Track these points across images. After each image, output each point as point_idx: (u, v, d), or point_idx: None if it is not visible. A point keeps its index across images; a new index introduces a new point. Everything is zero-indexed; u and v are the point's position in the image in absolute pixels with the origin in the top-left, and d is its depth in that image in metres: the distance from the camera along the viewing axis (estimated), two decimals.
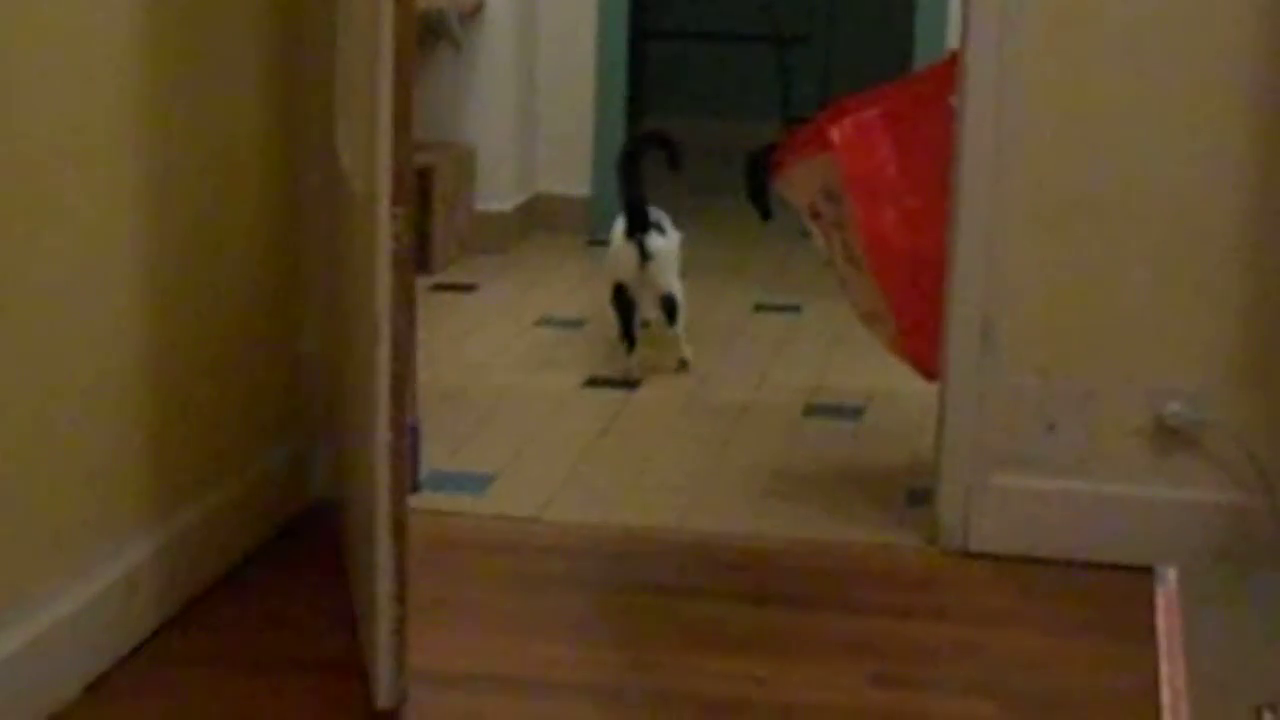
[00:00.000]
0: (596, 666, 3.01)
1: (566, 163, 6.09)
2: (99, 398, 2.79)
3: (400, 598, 2.67)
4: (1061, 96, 3.26)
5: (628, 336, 4.49)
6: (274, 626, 3.02)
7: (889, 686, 2.88)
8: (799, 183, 3.76)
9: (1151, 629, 3.07)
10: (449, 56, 5.73)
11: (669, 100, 7.69)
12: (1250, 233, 3.25)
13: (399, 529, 2.66)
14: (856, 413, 4.26)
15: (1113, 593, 3.24)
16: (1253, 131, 3.21)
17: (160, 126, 2.91)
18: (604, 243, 4.74)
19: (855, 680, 2.90)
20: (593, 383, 4.45)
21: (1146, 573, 3.27)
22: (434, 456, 3.76)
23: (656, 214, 4.55)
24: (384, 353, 2.61)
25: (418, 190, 4.24)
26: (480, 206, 5.84)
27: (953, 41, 4.20)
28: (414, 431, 3.37)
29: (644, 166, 4.60)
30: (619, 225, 4.54)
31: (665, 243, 4.53)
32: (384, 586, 2.66)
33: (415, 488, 3.48)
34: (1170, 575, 3.26)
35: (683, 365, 4.58)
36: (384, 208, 2.57)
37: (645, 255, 4.47)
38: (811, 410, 4.28)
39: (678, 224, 4.65)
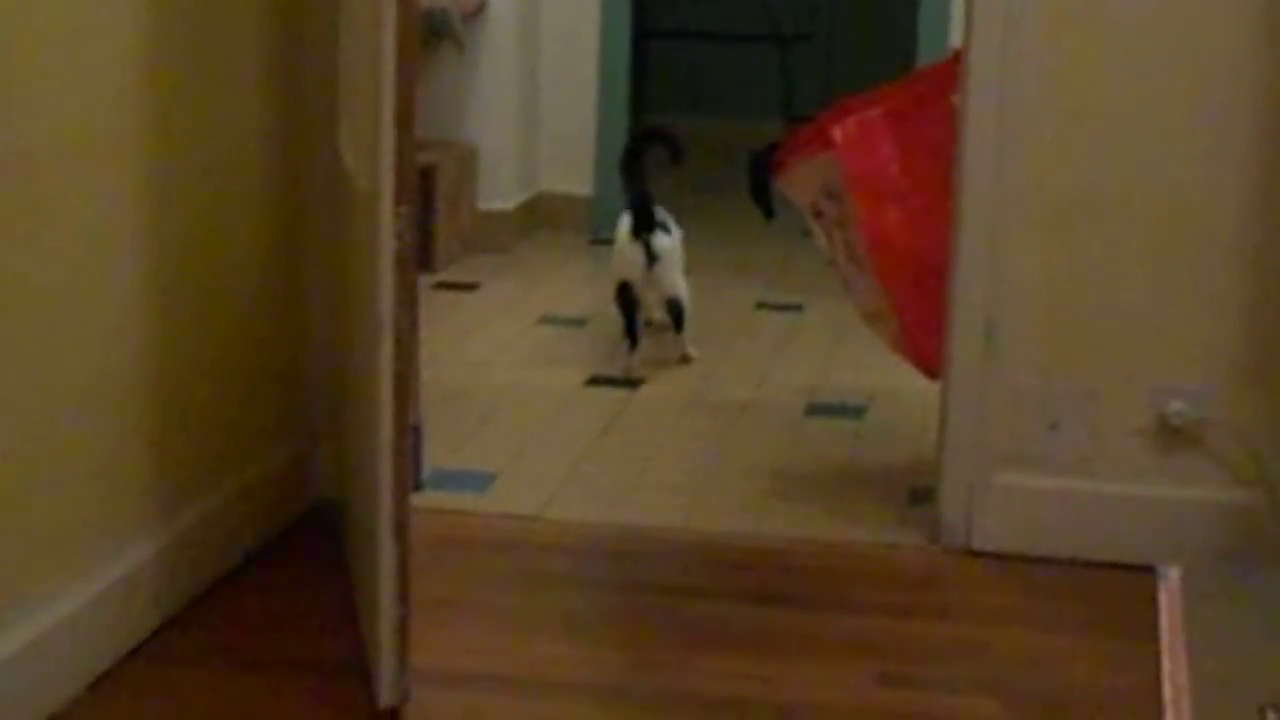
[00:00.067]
0: (598, 666, 3.01)
1: (569, 162, 6.10)
2: (100, 397, 2.79)
3: (402, 597, 2.67)
4: (1064, 96, 3.26)
5: (630, 335, 4.49)
6: (276, 626, 3.02)
7: (892, 685, 2.88)
8: (801, 182, 3.76)
9: (1154, 628, 3.07)
10: (451, 56, 5.73)
11: (671, 99, 7.69)
12: (1252, 232, 3.25)
13: (401, 528, 2.65)
14: (859, 411, 4.25)
15: (1115, 592, 3.24)
16: (1254, 131, 3.21)
17: (162, 126, 2.91)
18: (606, 242, 4.74)
19: (858, 679, 2.90)
20: (595, 381, 4.45)
21: (1149, 571, 3.27)
22: (436, 455, 3.76)
23: (661, 213, 4.55)
24: (386, 351, 2.61)
25: (420, 189, 4.24)
26: (483, 205, 5.85)
27: (955, 41, 4.20)
28: (416, 430, 3.37)
29: (647, 165, 4.60)
30: (624, 224, 4.54)
31: (671, 242, 4.53)
32: (386, 585, 2.66)
33: (417, 486, 3.49)
34: (1173, 574, 3.26)
35: (684, 359, 4.58)
36: (387, 206, 2.57)
37: (652, 255, 4.47)
38: (814, 409, 4.28)
39: (680, 223, 4.66)
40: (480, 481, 3.71)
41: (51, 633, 2.65)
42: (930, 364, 3.60)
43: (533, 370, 4.56)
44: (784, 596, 3.25)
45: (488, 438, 4.01)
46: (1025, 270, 3.31)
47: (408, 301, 2.63)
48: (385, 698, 2.69)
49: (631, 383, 4.43)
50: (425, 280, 5.09)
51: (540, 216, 6.09)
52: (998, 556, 3.37)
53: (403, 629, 2.68)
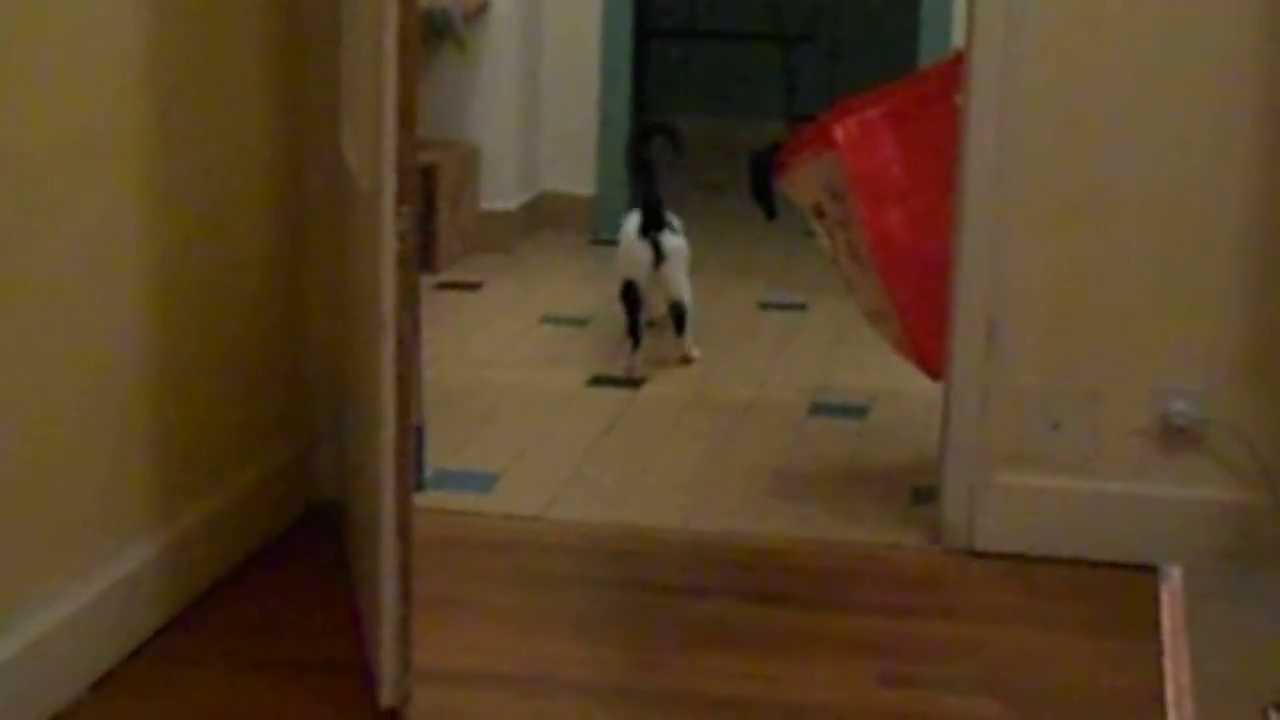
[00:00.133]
0: (601, 665, 3.01)
1: (571, 161, 6.10)
2: (101, 398, 2.79)
3: (405, 597, 2.67)
4: (1065, 96, 3.26)
5: (633, 334, 4.49)
6: (277, 626, 3.03)
7: (894, 685, 2.88)
8: (803, 182, 3.76)
9: (1156, 628, 3.07)
10: (453, 56, 5.73)
11: (674, 99, 7.69)
12: (1254, 232, 3.25)
13: (403, 528, 2.66)
14: (861, 411, 4.25)
15: (1117, 591, 3.24)
16: (1255, 130, 3.21)
17: (163, 126, 2.91)
18: (608, 242, 4.74)
19: (860, 679, 2.90)
20: (597, 381, 4.45)
21: (1151, 571, 3.27)
22: (438, 455, 3.76)
23: (667, 213, 4.55)
24: (388, 351, 2.61)
25: (422, 189, 4.25)
26: (485, 205, 5.85)
27: (957, 41, 4.20)
28: (418, 430, 3.37)
29: (654, 163, 4.60)
30: (632, 221, 4.54)
31: (679, 242, 4.53)
32: (388, 585, 2.66)
33: (419, 486, 3.48)
34: (1175, 574, 3.26)
35: (686, 360, 4.59)
36: (388, 206, 2.57)
37: (659, 254, 4.47)
38: (816, 409, 4.28)
39: (682, 222, 4.66)
40: (482, 482, 3.71)
41: (53, 633, 2.65)
42: (932, 364, 3.59)
43: (535, 370, 4.56)
44: (786, 596, 3.25)
45: (490, 438, 4.01)
46: (1027, 270, 3.31)
47: (409, 301, 2.63)
48: (387, 697, 2.69)
49: (633, 383, 4.43)
50: (427, 280, 5.08)
51: (542, 216, 6.09)
52: (999, 556, 3.37)
53: (404, 629, 2.68)
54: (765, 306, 5.25)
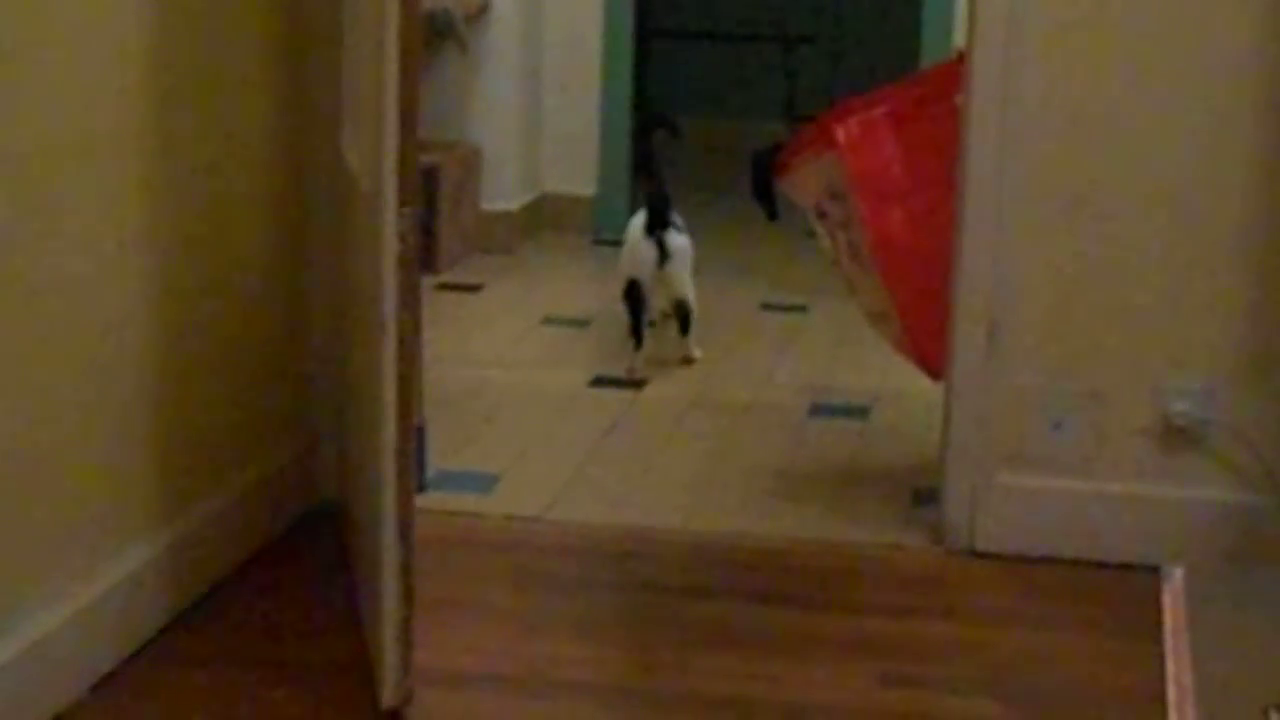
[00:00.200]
0: (602, 666, 3.01)
1: (572, 162, 6.10)
2: (103, 398, 2.79)
3: (406, 597, 2.67)
4: (1067, 97, 3.26)
5: (636, 334, 4.49)
6: (278, 626, 3.03)
7: (895, 686, 2.88)
8: (805, 182, 3.77)
9: (1158, 628, 3.07)
10: (454, 57, 5.73)
11: (675, 100, 7.69)
12: (1256, 232, 3.25)
13: (405, 529, 2.66)
14: (862, 412, 4.25)
15: (1119, 592, 3.24)
16: (1257, 130, 3.21)
17: (165, 126, 2.91)
18: (609, 242, 4.74)
19: (861, 680, 2.90)
20: (598, 382, 4.45)
21: (1153, 572, 3.27)
22: (439, 456, 3.76)
23: (673, 212, 4.55)
24: (389, 352, 2.61)
25: (423, 190, 4.25)
26: (486, 206, 5.85)
27: (958, 41, 4.20)
28: (419, 431, 3.37)
29: (659, 161, 4.60)
30: (638, 220, 4.54)
31: (684, 242, 4.53)
32: (389, 586, 2.66)
33: (421, 487, 3.48)
34: (1177, 574, 3.26)
35: (687, 360, 4.59)
36: (390, 207, 2.57)
37: (665, 253, 4.47)
38: (817, 410, 4.28)
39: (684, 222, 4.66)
40: (483, 482, 3.71)
41: (54, 633, 2.65)
42: (933, 364, 3.59)
43: (536, 371, 4.56)
44: (787, 597, 3.25)
45: (491, 439, 4.01)
46: (1028, 270, 3.31)
47: (411, 302, 2.63)
48: (388, 698, 2.69)
49: (635, 383, 4.43)
50: (428, 281, 5.08)
51: (543, 217, 6.09)
52: (1001, 557, 3.37)
53: (405, 629, 2.68)
54: (766, 307, 5.25)
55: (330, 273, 3.41)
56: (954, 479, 3.40)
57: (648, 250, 4.48)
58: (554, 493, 3.67)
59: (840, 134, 3.58)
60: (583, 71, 6.05)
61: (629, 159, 5.90)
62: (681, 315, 4.56)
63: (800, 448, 4.02)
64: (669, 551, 3.43)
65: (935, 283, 3.43)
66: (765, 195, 3.95)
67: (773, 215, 4.04)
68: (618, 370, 4.50)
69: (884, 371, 4.29)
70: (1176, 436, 3.32)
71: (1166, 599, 3.18)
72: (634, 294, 4.49)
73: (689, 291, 4.54)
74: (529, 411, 4.22)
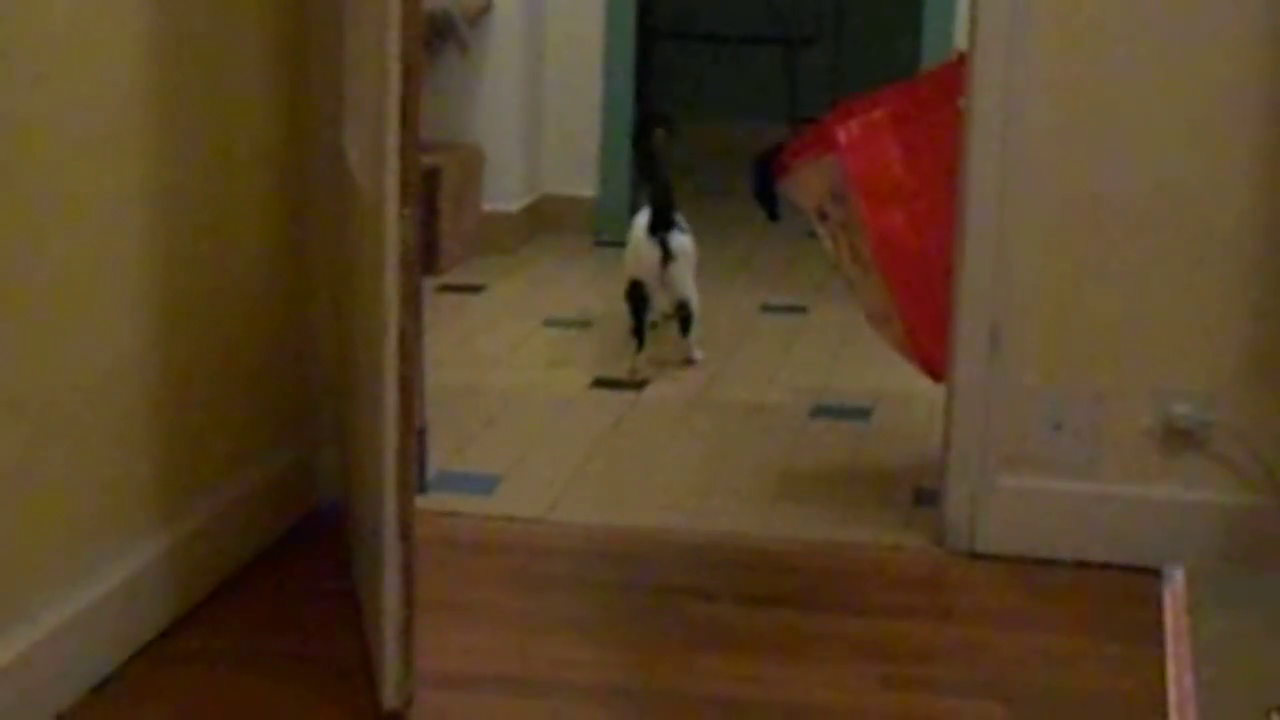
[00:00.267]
0: (603, 667, 3.01)
1: (573, 164, 6.10)
2: (104, 399, 2.80)
3: (407, 599, 2.67)
4: (1069, 98, 3.26)
5: (638, 334, 4.49)
6: (280, 627, 3.03)
7: (896, 687, 2.88)
8: (806, 184, 3.76)
9: (1159, 630, 3.07)
10: (456, 58, 5.73)
11: (676, 102, 7.69)
12: (1259, 234, 3.25)
13: (406, 530, 2.66)
14: (864, 413, 4.25)
15: (1120, 594, 3.24)
16: (1259, 132, 3.21)
17: (166, 127, 2.91)
18: (610, 244, 4.74)
19: (862, 681, 2.90)
20: (600, 383, 4.45)
21: (1154, 574, 3.27)
22: (441, 457, 3.76)
23: (677, 213, 4.56)
24: (390, 353, 2.61)
25: (425, 191, 4.24)
26: (487, 207, 5.85)
27: (960, 43, 4.20)
28: (421, 432, 3.37)
29: (662, 161, 4.60)
30: (641, 221, 4.54)
31: (688, 243, 4.53)
32: (391, 587, 2.66)
33: (422, 488, 3.48)
34: (1178, 576, 3.26)
35: (689, 362, 4.59)
36: (391, 208, 2.57)
37: (668, 254, 4.47)
38: (819, 411, 4.28)
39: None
40: (485, 484, 3.71)
41: (56, 635, 2.65)
42: (934, 366, 3.59)
43: (537, 372, 4.56)
44: (788, 598, 3.25)
45: (492, 440, 4.01)
46: (1030, 272, 3.31)
47: (412, 303, 2.63)
48: (389, 699, 2.69)
49: (636, 385, 4.43)
50: (430, 282, 5.09)
51: (545, 218, 6.09)
52: (1002, 558, 3.37)
53: (407, 631, 2.68)
54: (767, 308, 5.25)
55: (331, 274, 3.41)
56: (955, 480, 3.40)
57: (651, 251, 4.48)
58: (555, 494, 3.67)
59: (841, 135, 3.58)
60: (584, 73, 6.05)
61: (630, 160, 5.89)
62: (683, 316, 4.56)
63: (801, 449, 4.02)
64: (670, 553, 3.43)
65: (936, 284, 3.43)
66: (766, 196, 3.94)
67: (774, 216, 4.03)
68: (619, 371, 4.50)
69: (885, 373, 4.29)
70: (1178, 438, 3.32)
71: (1167, 601, 3.18)
72: (637, 295, 4.49)
73: (691, 292, 4.54)
74: (530, 413, 4.22)
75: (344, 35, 3.16)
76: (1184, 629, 3.06)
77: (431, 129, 5.21)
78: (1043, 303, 3.32)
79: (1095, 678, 2.94)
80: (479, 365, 4.60)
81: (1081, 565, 3.34)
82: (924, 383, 3.75)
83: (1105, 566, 3.32)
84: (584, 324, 5.00)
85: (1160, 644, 3.01)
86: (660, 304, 4.55)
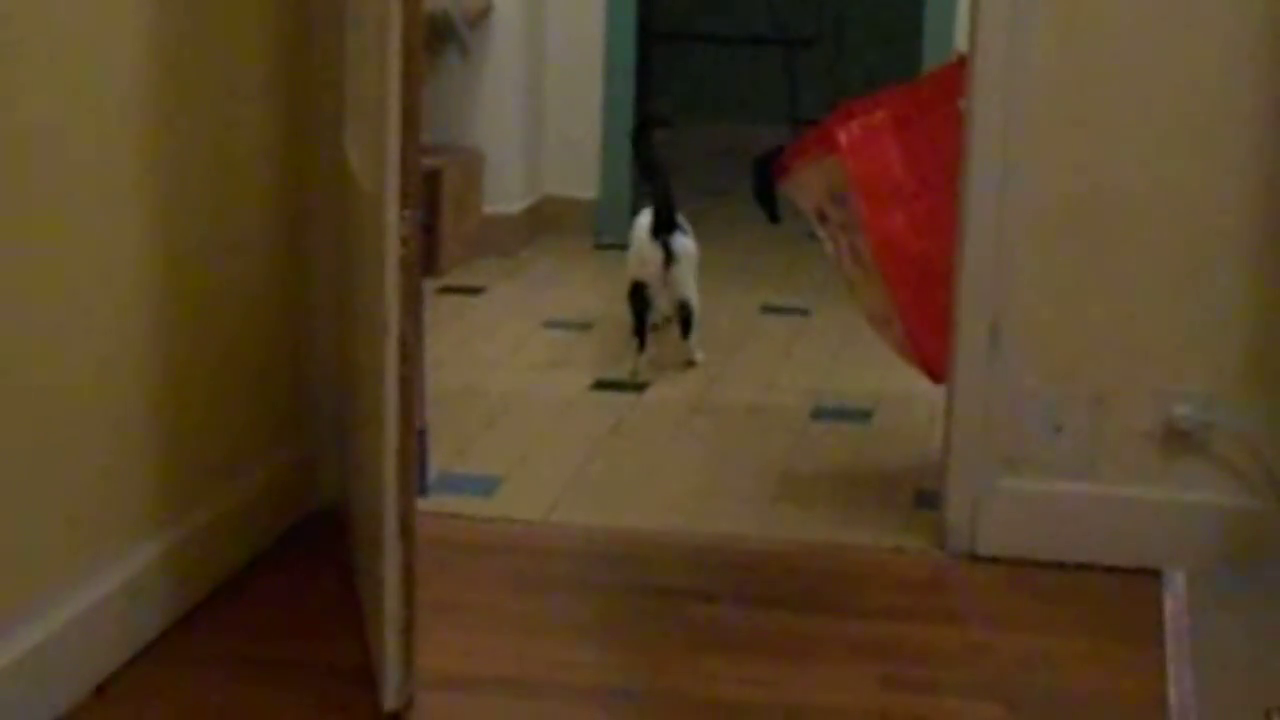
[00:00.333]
0: (604, 669, 3.01)
1: (574, 166, 6.10)
2: (105, 400, 2.80)
3: (408, 600, 2.67)
4: (1069, 100, 3.26)
5: (639, 336, 4.49)
6: (280, 629, 3.03)
7: (897, 689, 2.88)
8: (806, 185, 3.77)
9: (1159, 632, 3.07)
10: (457, 60, 5.73)
11: (677, 104, 7.69)
12: (1258, 236, 3.25)
13: (407, 532, 2.66)
14: (864, 415, 4.25)
15: (1121, 596, 3.24)
16: (1262, 133, 3.21)
17: (167, 128, 2.91)
18: (611, 246, 4.73)
19: (863, 683, 2.90)
20: (600, 385, 4.45)
21: (1155, 576, 3.27)
22: (441, 459, 3.76)
23: (679, 214, 4.56)
24: (391, 355, 2.61)
25: (425, 193, 4.25)
26: (488, 209, 5.85)
27: (960, 44, 4.20)
28: (421, 434, 3.37)
29: (662, 161, 4.60)
30: (643, 222, 4.54)
31: (690, 245, 4.53)
32: (391, 589, 2.66)
33: (422, 490, 3.48)
34: (1178, 578, 3.26)
35: (689, 364, 4.59)
36: (391, 210, 2.57)
37: (670, 257, 4.48)
38: (819, 413, 4.28)
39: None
40: (485, 485, 3.71)
41: (56, 636, 2.65)
42: (935, 367, 3.59)
43: (538, 374, 4.56)
44: (788, 600, 3.25)
45: (493, 442, 4.01)
46: (1030, 274, 3.31)
47: (412, 305, 2.63)
48: (390, 701, 2.69)
49: (637, 386, 4.43)
50: (430, 284, 5.09)
51: (545, 220, 6.09)
52: (1002, 560, 3.37)
53: (408, 632, 2.68)
54: (768, 310, 5.25)
55: (332, 275, 3.41)
56: (956, 482, 3.40)
57: (654, 253, 4.48)
58: (555, 496, 3.67)
59: (842, 137, 3.58)
60: (585, 75, 6.05)
61: (631, 162, 5.89)
62: (684, 317, 4.56)
63: (802, 451, 4.02)
64: (671, 554, 3.43)
65: (937, 286, 3.43)
66: (767, 198, 3.94)
67: (774, 218, 4.03)
68: (619, 373, 4.50)
69: (886, 374, 4.29)
70: (1178, 440, 3.32)
71: (1168, 603, 3.18)
72: (638, 296, 4.49)
73: (692, 294, 4.54)
74: (531, 414, 4.22)
75: (345, 36, 3.16)
76: (1184, 630, 3.06)
77: (432, 131, 5.22)
78: (1043, 304, 3.32)
79: (1096, 679, 2.94)
80: (479, 367, 4.60)
81: (1082, 567, 3.33)
82: (924, 384, 3.75)
83: (1106, 568, 3.32)
84: (584, 326, 5.00)
85: (1161, 645, 3.01)
86: (661, 306, 4.55)
